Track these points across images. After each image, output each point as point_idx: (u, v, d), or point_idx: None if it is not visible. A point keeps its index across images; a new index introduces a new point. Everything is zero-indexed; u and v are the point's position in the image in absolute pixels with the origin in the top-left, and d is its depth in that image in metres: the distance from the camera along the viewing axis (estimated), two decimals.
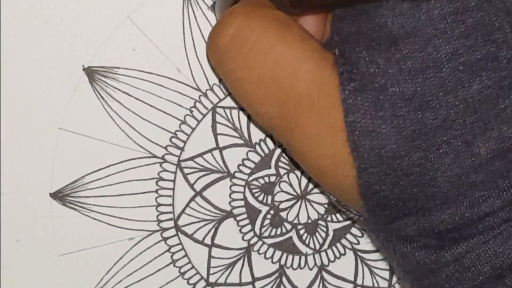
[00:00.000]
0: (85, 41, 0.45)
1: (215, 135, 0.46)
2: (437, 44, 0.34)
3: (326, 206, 0.48)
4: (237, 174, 0.47)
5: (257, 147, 0.47)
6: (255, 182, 0.47)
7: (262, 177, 0.47)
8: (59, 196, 0.46)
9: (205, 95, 0.46)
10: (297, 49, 0.37)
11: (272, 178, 0.47)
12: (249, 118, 0.46)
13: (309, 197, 0.47)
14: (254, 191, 0.47)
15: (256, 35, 0.37)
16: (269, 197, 0.47)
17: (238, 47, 0.37)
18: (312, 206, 0.48)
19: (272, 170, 0.47)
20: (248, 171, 0.47)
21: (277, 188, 0.47)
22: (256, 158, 0.47)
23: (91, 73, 0.45)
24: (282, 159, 0.47)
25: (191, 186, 0.47)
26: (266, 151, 0.47)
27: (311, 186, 0.47)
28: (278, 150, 0.47)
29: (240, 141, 0.47)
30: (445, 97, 0.34)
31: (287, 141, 0.38)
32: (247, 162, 0.47)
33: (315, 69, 0.36)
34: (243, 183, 0.47)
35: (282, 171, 0.47)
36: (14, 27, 0.44)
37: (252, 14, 0.38)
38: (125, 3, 0.44)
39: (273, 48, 0.37)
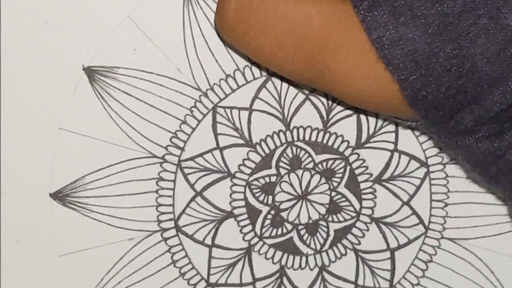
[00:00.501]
0: (85, 41, 0.45)
1: (216, 135, 0.46)
2: None
3: (327, 206, 0.48)
4: (237, 174, 0.47)
5: (258, 147, 0.47)
6: (255, 182, 0.47)
7: (263, 177, 0.47)
8: (59, 196, 0.46)
9: (206, 94, 0.46)
10: None
11: (273, 178, 0.47)
12: (249, 118, 0.46)
13: (310, 197, 0.47)
14: (254, 191, 0.47)
15: (258, 0, 0.37)
16: (270, 197, 0.47)
17: (245, 18, 0.37)
18: (313, 206, 0.47)
19: (273, 170, 0.47)
20: (248, 171, 0.47)
21: (277, 188, 0.47)
22: (257, 158, 0.47)
23: (91, 73, 0.45)
24: (282, 159, 0.47)
25: (192, 186, 0.47)
26: (267, 151, 0.47)
27: (312, 186, 0.47)
28: (279, 150, 0.47)
29: (241, 141, 0.46)
30: None
31: (327, 89, 0.38)
32: (247, 162, 0.47)
33: (326, 9, 0.36)
34: (243, 183, 0.47)
35: (282, 171, 0.47)
36: (14, 27, 0.44)
37: None
38: (125, 2, 0.44)
39: (277, 5, 0.37)
